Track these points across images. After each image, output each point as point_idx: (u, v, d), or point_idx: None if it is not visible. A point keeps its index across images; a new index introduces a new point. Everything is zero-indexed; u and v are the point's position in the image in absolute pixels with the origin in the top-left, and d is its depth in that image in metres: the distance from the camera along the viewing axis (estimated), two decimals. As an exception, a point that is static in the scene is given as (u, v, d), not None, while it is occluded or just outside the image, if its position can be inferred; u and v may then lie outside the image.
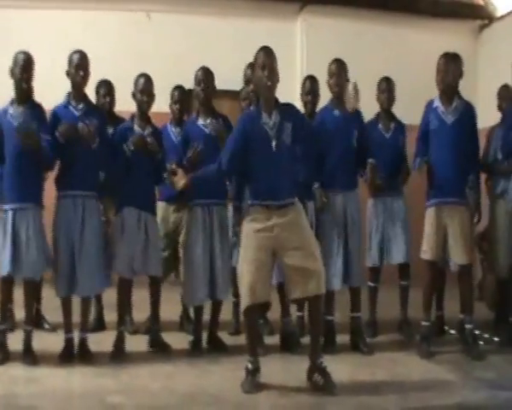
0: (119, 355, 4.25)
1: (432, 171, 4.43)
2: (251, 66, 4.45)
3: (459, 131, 4.38)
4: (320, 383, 3.63)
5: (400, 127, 5.11)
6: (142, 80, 4.42)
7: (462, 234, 4.38)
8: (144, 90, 4.40)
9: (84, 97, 4.28)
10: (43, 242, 4.13)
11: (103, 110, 4.76)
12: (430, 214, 4.43)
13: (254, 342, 3.78)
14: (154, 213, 4.53)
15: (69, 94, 4.26)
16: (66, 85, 4.28)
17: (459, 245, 4.37)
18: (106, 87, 5.08)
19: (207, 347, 4.51)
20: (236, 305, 4.93)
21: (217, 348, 4.48)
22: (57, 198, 4.20)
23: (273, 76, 3.66)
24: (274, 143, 3.66)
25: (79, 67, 4.17)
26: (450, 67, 4.40)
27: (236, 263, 3.94)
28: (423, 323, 4.48)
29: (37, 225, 4.09)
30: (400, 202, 5.02)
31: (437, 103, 4.47)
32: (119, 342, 4.32)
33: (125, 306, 4.47)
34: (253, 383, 3.65)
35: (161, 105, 5.04)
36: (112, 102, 5.10)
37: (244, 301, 3.65)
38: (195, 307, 4.52)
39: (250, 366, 3.69)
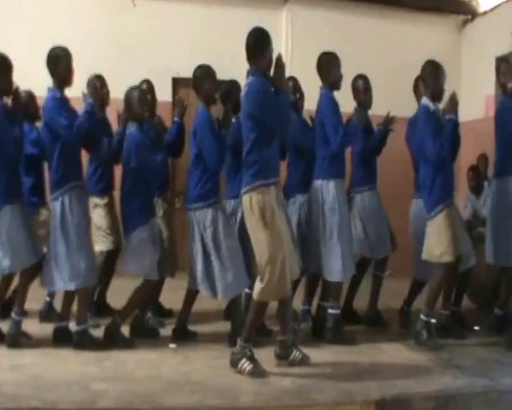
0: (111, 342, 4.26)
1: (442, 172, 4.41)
2: None
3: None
4: (298, 358, 3.86)
5: None
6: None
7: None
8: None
9: None
10: None
11: None
12: (449, 214, 4.37)
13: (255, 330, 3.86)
14: None
15: (58, 88, 4.22)
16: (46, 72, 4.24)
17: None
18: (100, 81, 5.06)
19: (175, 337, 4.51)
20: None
21: (189, 338, 4.51)
22: (65, 190, 4.16)
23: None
24: None
25: (72, 68, 4.21)
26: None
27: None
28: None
29: None
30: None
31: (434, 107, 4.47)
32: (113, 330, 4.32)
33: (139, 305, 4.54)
34: (261, 367, 3.73)
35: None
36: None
37: (277, 293, 3.70)
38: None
39: (249, 353, 3.74)
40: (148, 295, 4.52)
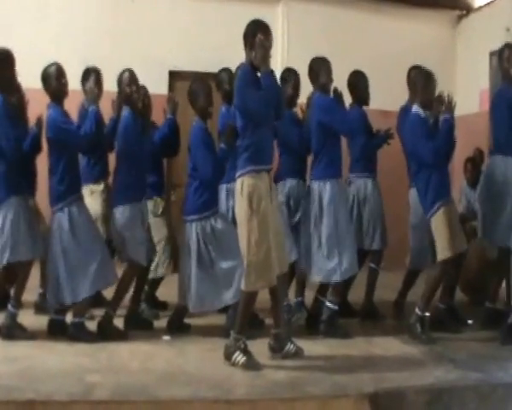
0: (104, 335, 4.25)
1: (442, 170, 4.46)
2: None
3: None
4: (292, 351, 3.87)
5: None
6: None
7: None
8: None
9: None
10: None
11: None
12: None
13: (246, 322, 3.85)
14: None
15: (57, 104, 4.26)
16: (43, 63, 4.25)
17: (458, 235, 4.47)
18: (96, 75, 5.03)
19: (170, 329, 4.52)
20: None
21: (183, 330, 4.52)
22: (71, 201, 4.23)
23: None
24: None
25: (63, 82, 4.25)
26: None
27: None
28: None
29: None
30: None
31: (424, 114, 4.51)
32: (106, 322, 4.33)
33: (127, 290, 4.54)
34: (255, 360, 3.73)
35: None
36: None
37: (263, 282, 3.70)
38: None
39: (243, 345, 3.75)
40: (134, 280, 4.48)
